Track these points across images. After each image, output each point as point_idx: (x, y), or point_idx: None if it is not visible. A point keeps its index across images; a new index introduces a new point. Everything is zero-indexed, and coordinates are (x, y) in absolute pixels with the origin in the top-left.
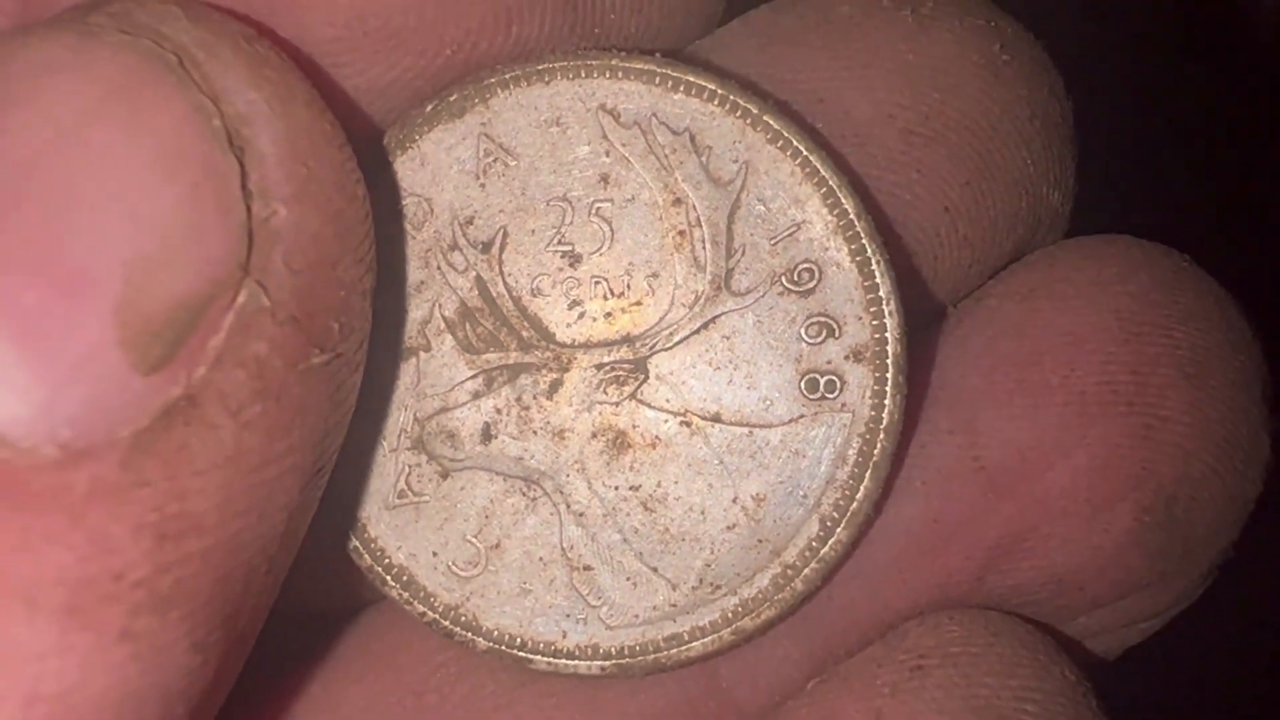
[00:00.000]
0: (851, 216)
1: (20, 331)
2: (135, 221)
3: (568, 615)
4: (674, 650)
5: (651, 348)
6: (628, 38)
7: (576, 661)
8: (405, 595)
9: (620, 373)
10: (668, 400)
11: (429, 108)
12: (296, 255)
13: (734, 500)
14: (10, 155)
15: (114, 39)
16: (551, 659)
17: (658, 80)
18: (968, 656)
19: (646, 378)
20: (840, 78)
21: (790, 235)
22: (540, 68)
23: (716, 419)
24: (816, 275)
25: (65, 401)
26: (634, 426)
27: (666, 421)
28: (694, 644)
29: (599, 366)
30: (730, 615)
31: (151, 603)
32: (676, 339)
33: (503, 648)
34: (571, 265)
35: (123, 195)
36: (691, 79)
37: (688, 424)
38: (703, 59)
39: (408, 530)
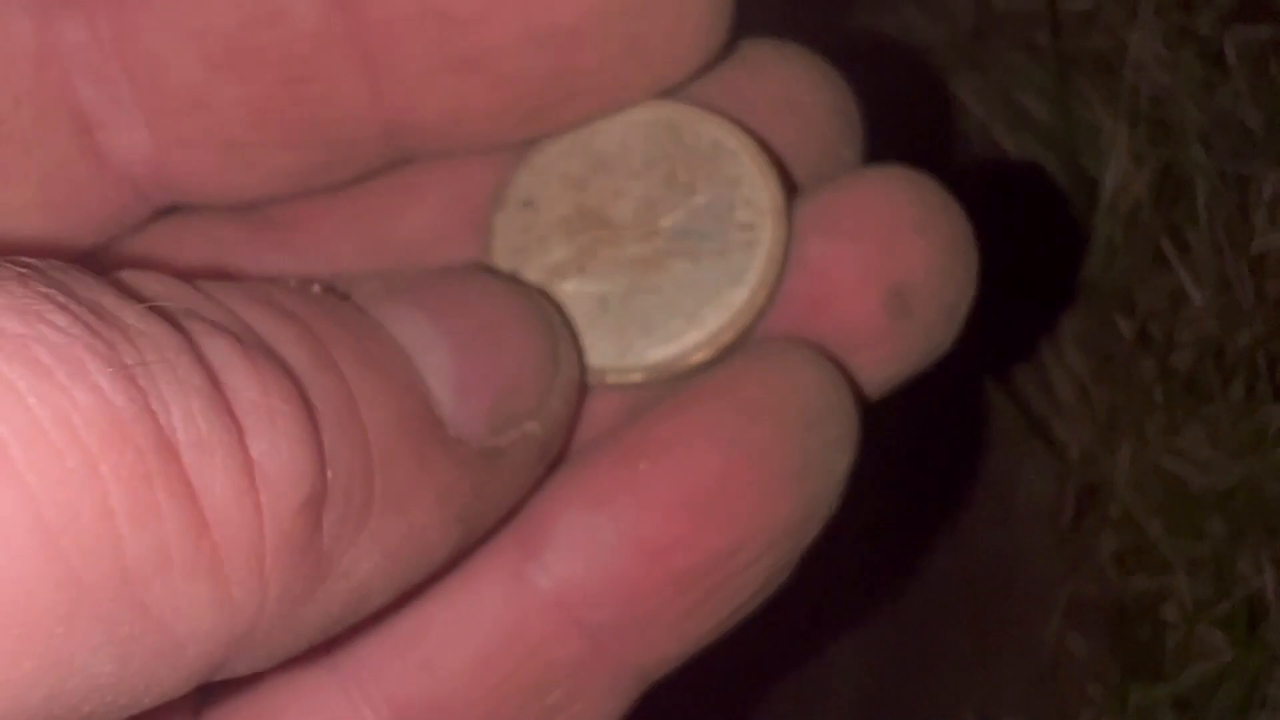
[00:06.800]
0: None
1: (467, 388)
2: (510, 367)
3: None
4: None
5: (664, 237)
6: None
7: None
8: None
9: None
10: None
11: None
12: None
13: (695, 284)
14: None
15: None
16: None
17: (687, 117)
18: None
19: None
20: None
21: (739, 207)
22: (615, 115)
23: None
24: (752, 230)
25: (466, 420)
26: (653, 255)
27: (671, 254)
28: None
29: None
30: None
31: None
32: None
33: None
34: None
35: (524, 357)
36: (709, 123)
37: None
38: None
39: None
